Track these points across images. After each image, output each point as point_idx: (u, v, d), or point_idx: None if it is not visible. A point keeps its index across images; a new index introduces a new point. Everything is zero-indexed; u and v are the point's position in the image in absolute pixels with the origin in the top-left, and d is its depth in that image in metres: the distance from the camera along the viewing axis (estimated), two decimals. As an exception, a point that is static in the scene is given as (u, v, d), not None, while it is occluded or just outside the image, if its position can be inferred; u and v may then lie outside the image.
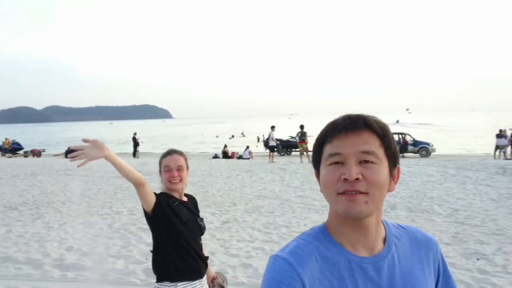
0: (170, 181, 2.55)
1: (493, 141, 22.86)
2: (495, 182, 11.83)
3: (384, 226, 1.11)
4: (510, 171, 13.64)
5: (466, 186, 11.33)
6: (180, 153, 2.65)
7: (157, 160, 2.85)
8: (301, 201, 9.69)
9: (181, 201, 2.61)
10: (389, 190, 1.05)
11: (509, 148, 22.12)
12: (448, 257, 5.62)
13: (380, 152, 1.01)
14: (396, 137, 26.31)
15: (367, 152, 0.99)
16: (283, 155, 29.56)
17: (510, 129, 23.29)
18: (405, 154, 25.73)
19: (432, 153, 25.90)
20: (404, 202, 9.27)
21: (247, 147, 28.96)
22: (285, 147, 30.28)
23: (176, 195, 2.61)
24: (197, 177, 14.07)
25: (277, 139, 23.24)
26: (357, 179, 0.97)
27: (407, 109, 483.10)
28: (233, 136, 63.63)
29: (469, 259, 5.60)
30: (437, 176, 13.11)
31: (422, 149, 25.97)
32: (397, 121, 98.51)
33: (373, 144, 1.01)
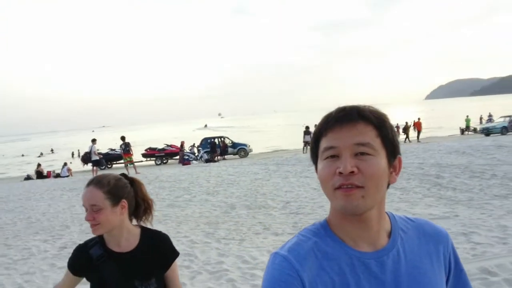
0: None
1: (295, 138, 26.20)
2: (312, 173, 13.24)
3: (390, 219, 1.07)
4: (320, 163, 15.53)
5: (290, 179, 12.46)
6: (98, 184, 1.75)
7: None
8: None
9: (113, 254, 1.79)
10: (390, 182, 1.02)
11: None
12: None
13: (377, 143, 0.98)
14: (216, 141, 27.78)
15: (362, 144, 0.96)
16: (103, 168, 27.99)
17: (315, 125, 26.60)
18: (226, 156, 27.06)
19: (250, 153, 27.84)
20: (241, 201, 9.72)
21: (65, 164, 26.53)
22: (107, 160, 28.74)
23: (111, 243, 1.81)
24: (13, 203, 12.27)
25: (98, 153, 21.89)
26: (352, 172, 0.93)
27: (219, 114, 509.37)
28: (42, 154, 60.43)
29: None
30: (262, 174, 14.08)
31: (241, 150, 27.70)
32: (205, 126, 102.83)
33: (369, 135, 0.97)
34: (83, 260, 1.78)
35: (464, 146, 17.48)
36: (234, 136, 33.16)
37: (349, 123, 0.98)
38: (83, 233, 7.83)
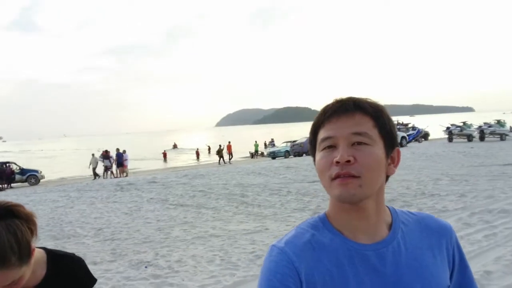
0: None
1: (87, 163, 25.13)
2: (120, 198, 12.76)
3: (391, 212, 1.06)
4: (126, 187, 15.02)
5: (97, 205, 11.71)
6: (5, 263, 1.22)
7: None
8: None
9: None
10: (388, 174, 1.02)
11: (114, 167, 24.21)
12: (119, 272, 5.79)
13: (374, 133, 0.98)
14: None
15: (359, 134, 0.96)
16: None
17: (105, 151, 25.47)
18: (13, 184, 23.75)
19: (42, 180, 25.07)
20: (45, 232, 8.65)
21: None
22: None
23: None
24: None
25: None
26: (349, 161, 0.93)
27: (1, 138, 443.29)
28: None
29: (138, 269, 5.91)
30: (64, 201, 12.87)
31: (31, 177, 24.70)
32: None
33: (366, 125, 0.98)
34: None
35: (258, 167, 19.31)
36: (20, 162, 29.37)
37: (346, 114, 0.99)
38: None
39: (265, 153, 39.02)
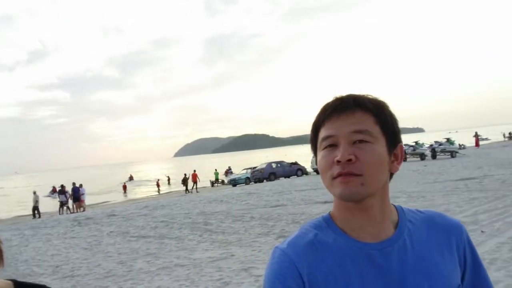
0: None
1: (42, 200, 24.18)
2: (78, 233, 12.31)
3: (397, 211, 1.04)
4: (84, 222, 14.52)
5: (53, 242, 11.24)
6: None
7: None
8: None
9: None
10: (391, 171, 1.00)
11: (70, 202, 23.35)
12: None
13: (376, 130, 0.96)
14: None
15: (360, 131, 0.95)
16: None
17: (60, 186, 24.61)
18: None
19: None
20: (-2, 273, 8.23)
21: None
22: None
23: None
24: None
25: None
26: (350, 160, 0.92)
27: None
28: None
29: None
30: (17, 239, 12.24)
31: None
32: None
33: (367, 123, 0.96)
34: None
35: (220, 195, 19.22)
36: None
37: (347, 112, 0.97)
38: None
39: (226, 181, 38.81)
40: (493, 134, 76.20)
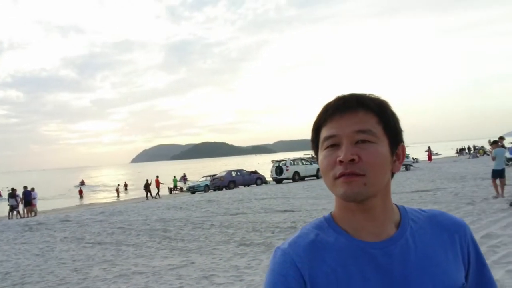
0: None
1: None
2: (29, 239, 11.78)
3: (400, 210, 1.03)
4: (36, 227, 13.93)
5: (2, 247, 10.73)
6: None
7: None
8: None
9: None
10: (393, 171, 0.99)
11: (21, 207, 22.34)
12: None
13: (378, 130, 0.95)
14: None
15: (363, 131, 0.94)
16: None
17: (11, 189, 23.53)
18: None
19: None
20: None
21: None
22: None
23: None
24: None
25: None
26: (353, 160, 0.91)
27: None
28: None
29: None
30: (-38, 245, 11.60)
31: None
32: None
33: (370, 122, 0.95)
34: None
35: (179, 202, 18.96)
36: None
37: (349, 111, 0.96)
38: None
39: (184, 188, 38.35)
40: (444, 149, 79.61)
